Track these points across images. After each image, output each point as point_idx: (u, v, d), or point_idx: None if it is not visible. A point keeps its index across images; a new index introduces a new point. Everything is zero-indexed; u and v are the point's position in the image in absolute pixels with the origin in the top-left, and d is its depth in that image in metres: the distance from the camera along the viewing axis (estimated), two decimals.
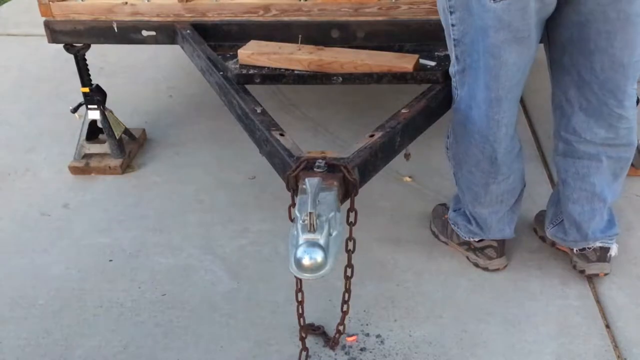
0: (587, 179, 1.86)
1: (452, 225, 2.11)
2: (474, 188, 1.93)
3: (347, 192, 1.43)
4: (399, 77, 1.90)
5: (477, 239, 2.04)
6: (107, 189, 2.56)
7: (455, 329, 1.87)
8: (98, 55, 2.88)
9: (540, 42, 1.72)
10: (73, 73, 2.57)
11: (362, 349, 1.81)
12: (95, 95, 2.58)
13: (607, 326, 1.86)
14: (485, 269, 2.05)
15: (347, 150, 1.55)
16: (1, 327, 1.91)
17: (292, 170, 1.43)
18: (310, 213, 1.24)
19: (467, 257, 2.09)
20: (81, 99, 2.61)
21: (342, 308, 1.67)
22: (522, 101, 3.08)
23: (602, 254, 1.96)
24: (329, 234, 1.28)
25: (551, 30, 1.70)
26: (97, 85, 2.60)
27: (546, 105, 3.04)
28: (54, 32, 2.37)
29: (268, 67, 2.00)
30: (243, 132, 1.87)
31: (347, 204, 1.44)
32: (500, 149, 1.81)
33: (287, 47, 2.04)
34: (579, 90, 1.73)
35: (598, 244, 1.95)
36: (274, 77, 1.97)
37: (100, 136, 2.68)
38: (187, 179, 2.61)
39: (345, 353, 1.80)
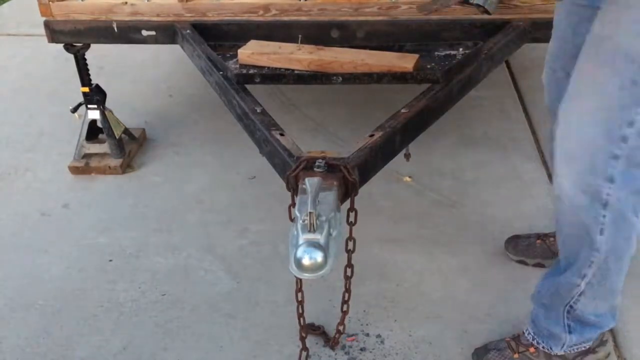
0: None
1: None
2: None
3: (347, 192, 1.43)
4: (399, 77, 1.90)
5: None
6: (107, 189, 2.56)
7: (455, 329, 1.87)
8: (98, 55, 2.88)
9: None
10: (73, 73, 2.57)
11: (362, 349, 1.81)
12: (95, 95, 2.58)
13: None
14: None
15: (347, 150, 1.55)
16: (1, 327, 1.91)
17: (292, 170, 1.43)
18: (310, 213, 1.23)
19: None
20: (81, 99, 2.61)
21: (342, 308, 1.67)
22: (522, 101, 3.09)
23: None
24: (329, 234, 1.28)
25: None
26: (97, 85, 2.60)
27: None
28: (54, 32, 2.37)
29: (268, 67, 1.99)
30: (243, 132, 1.87)
31: (347, 204, 1.45)
32: None
33: (287, 47, 2.03)
34: None
35: None
36: (274, 77, 1.97)
37: (100, 136, 2.68)
38: (187, 179, 2.61)
39: (345, 353, 1.80)
